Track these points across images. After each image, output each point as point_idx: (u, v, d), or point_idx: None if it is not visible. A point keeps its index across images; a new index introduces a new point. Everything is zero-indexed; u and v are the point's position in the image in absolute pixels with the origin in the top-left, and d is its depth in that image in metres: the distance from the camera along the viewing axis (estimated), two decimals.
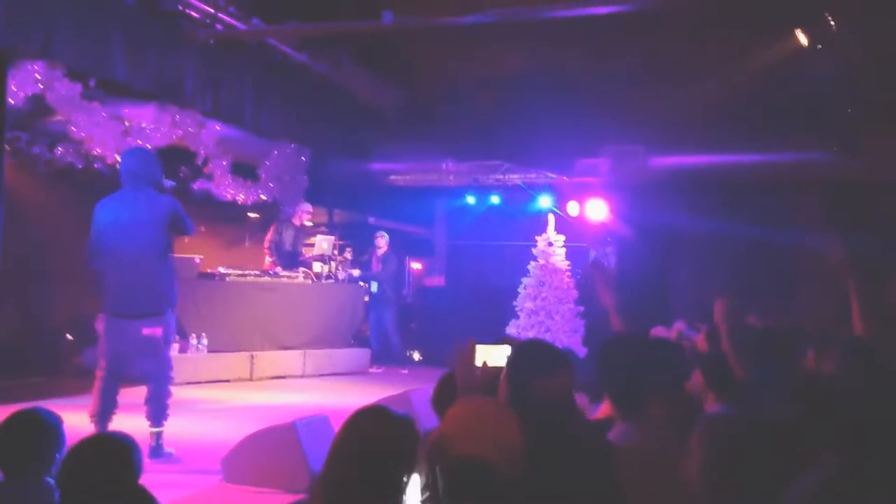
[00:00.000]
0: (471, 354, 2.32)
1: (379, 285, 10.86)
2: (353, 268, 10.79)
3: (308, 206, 10.34)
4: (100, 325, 5.33)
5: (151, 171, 5.37)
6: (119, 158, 5.56)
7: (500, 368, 2.28)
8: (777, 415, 2.56)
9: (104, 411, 5.13)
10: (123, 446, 2.49)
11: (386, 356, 10.80)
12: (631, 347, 2.75)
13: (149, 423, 5.22)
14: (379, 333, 10.93)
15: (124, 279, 5.16)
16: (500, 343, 2.47)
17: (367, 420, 2.13)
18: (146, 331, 5.16)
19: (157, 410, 5.25)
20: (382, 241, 10.98)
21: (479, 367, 2.32)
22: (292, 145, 10.31)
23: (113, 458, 2.42)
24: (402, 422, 2.13)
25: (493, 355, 2.38)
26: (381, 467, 2.03)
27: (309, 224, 10.98)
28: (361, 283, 10.73)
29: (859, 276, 3.12)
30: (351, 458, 2.05)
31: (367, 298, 10.93)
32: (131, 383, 5.51)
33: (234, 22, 7.84)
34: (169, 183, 5.70)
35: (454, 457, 1.81)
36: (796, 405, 2.58)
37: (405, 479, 2.03)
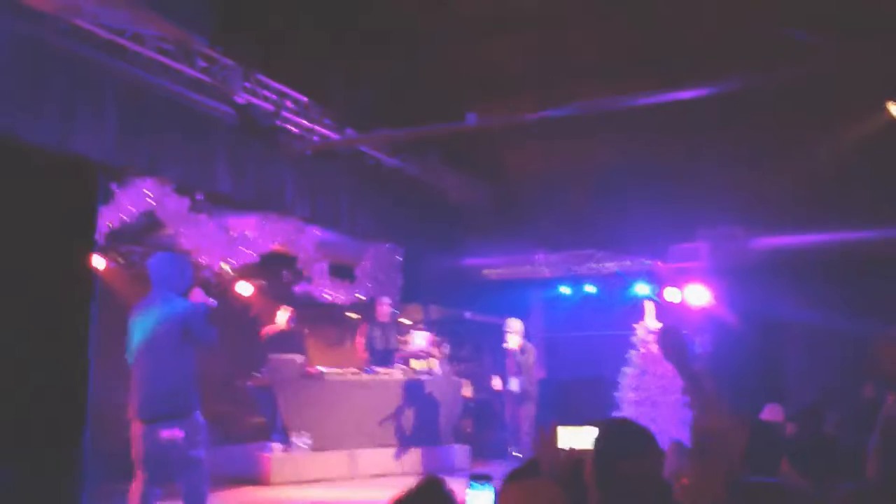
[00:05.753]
0: (553, 437, 2.30)
1: (520, 380, 10.12)
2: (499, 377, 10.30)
3: (386, 300, 10.29)
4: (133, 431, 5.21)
5: (169, 275, 5.33)
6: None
7: (586, 451, 2.24)
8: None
9: None
10: None
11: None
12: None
13: None
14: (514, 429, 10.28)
15: (145, 383, 5.14)
16: (587, 425, 2.44)
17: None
18: (165, 433, 5.08)
19: None
20: (517, 328, 10.22)
21: (563, 450, 2.30)
22: (387, 245, 10.58)
23: None
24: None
25: (580, 438, 2.36)
26: None
27: (407, 322, 11.05)
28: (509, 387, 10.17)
29: None
30: None
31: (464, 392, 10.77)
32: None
33: (328, 133, 8.27)
34: (200, 298, 5.46)
35: None
36: None
37: None
